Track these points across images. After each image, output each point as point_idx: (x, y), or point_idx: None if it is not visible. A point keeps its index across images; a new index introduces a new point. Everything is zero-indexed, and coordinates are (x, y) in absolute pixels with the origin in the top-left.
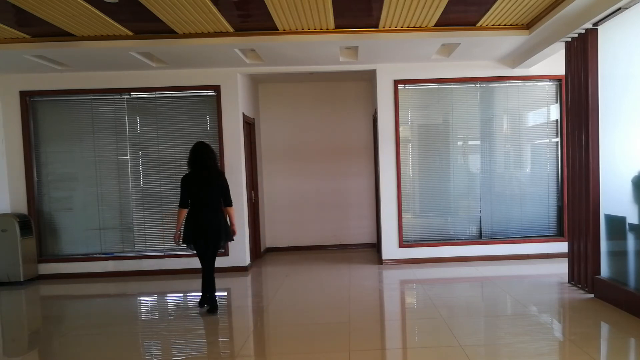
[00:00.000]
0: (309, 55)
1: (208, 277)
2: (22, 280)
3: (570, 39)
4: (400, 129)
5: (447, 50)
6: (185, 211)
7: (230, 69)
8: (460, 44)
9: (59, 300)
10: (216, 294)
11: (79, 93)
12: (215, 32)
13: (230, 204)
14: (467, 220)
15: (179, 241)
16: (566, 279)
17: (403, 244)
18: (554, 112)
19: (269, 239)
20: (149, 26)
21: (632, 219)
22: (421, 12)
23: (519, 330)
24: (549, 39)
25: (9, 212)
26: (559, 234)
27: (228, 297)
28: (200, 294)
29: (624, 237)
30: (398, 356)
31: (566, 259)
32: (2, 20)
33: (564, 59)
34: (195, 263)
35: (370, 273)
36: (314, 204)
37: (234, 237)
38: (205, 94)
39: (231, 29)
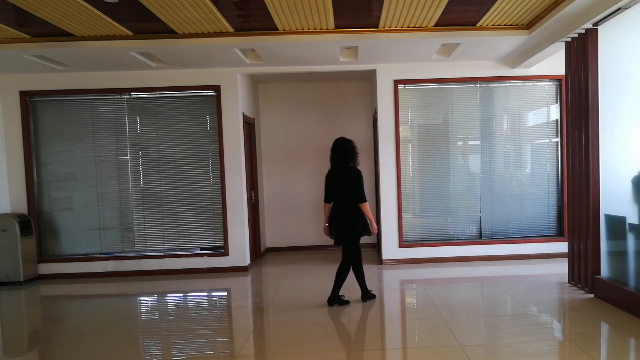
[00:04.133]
0: (309, 55)
1: (354, 270)
2: (22, 280)
3: (570, 39)
4: (400, 129)
5: (447, 50)
6: (327, 206)
7: (230, 69)
8: (460, 44)
9: (59, 300)
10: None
11: (79, 93)
12: (215, 32)
13: (360, 199)
14: (467, 220)
15: (328, 233)
16: (566, 279)
17: (403, 244)
18: (554, 112)
19: (269, 239)
20: (149, 26)
21: (632, 219)
22: (421, 12)
23: (519, 330)
24: (549, 39)
25: (9, 212)
26: (559, 234)
27: (228, 297)
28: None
29: (624, 237)
30: (398, 356)
31: (566, 259)
32: (2, 20)
33: (564, 59)
34: (195, 263)
35: (370, 273)
36: (314, 203)
37: (373, 234)
38: (205, 94)
39: (231, 29)
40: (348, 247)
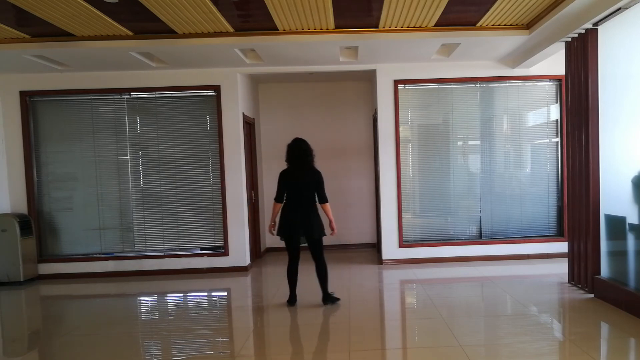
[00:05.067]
0: (309, 55)
1: (317, 269)
2: (22, 280)
3: (570, 39)
4: (400, 129)
5: (447, 50)
6: (278, 205)
7: (230, 69)
8: (460, 44)
9: (59, 300)
10: (296, 288)
11: (79, 93)
12: (215, 32)
13: (323, 200)
14: (467, 220)
15: (273, 231)
16: (566, 279)
17: (403, 244)
18: (554, 112)
19: (269, 239)
20: (149, 26)
21: (632, 219)
22: (421, 12)
23: (519, 330)
24: (549, 39)
25: (9, 212)
26: (559, 234)
27: (228, 297)
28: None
29: (624, 237)
30: (398, 356)
31: (566, 259)
32: (2, 20)
33: (564, 59)
34: (195, 263)
35: (370, 273)
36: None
37: (332, 235)
38: (205, 94)
39: (231, 29)
40: (318, 246)
